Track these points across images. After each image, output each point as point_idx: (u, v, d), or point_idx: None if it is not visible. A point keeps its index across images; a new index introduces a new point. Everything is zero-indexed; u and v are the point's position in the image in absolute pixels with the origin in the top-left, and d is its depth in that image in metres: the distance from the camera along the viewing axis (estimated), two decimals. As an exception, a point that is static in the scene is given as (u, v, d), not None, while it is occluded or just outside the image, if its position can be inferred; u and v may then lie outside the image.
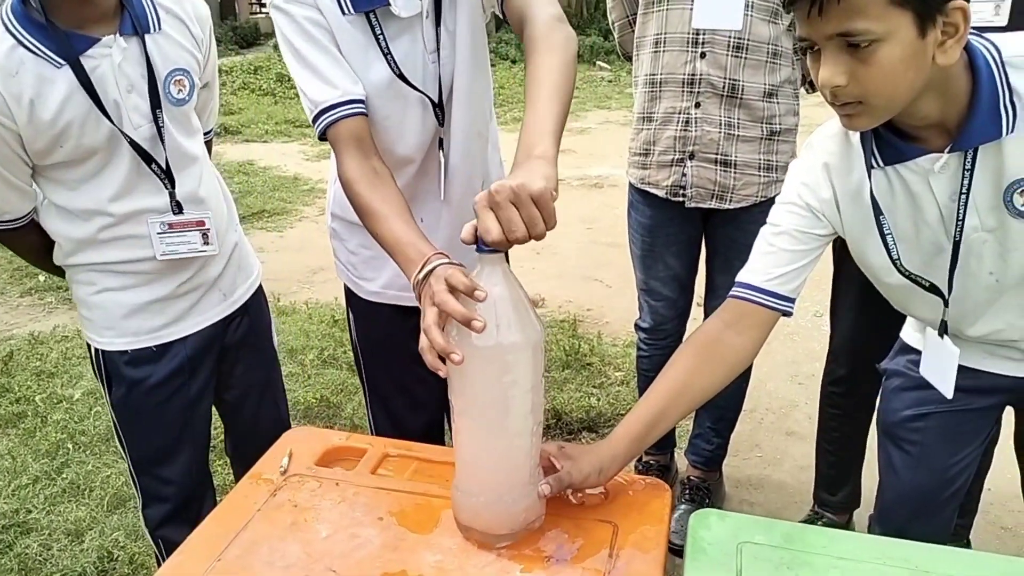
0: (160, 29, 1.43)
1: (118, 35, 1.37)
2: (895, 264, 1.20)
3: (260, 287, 1.77)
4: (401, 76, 1.36)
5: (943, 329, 1.27)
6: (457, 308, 0.94)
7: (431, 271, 1.06)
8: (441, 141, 1.45)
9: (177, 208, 1.49)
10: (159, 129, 1.44)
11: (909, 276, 1.21)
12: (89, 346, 1.58)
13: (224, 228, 1.62)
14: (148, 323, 1.55)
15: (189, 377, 1.61)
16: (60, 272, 1.58)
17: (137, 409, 1.59)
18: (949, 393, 1.29)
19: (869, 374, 2.03)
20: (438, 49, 1.38)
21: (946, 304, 1.23)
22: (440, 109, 1.42)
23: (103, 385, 1.60)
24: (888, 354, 2.01)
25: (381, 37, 1.34)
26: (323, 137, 1.33)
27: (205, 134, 1.66)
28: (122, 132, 1.39)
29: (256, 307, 1.74)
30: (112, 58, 1.36)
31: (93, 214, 1.45)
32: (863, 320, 1.98)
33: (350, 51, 1.34)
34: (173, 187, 1.48)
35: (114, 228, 1.47)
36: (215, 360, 1.67)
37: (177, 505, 1.67)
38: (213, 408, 1.75)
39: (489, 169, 1.58)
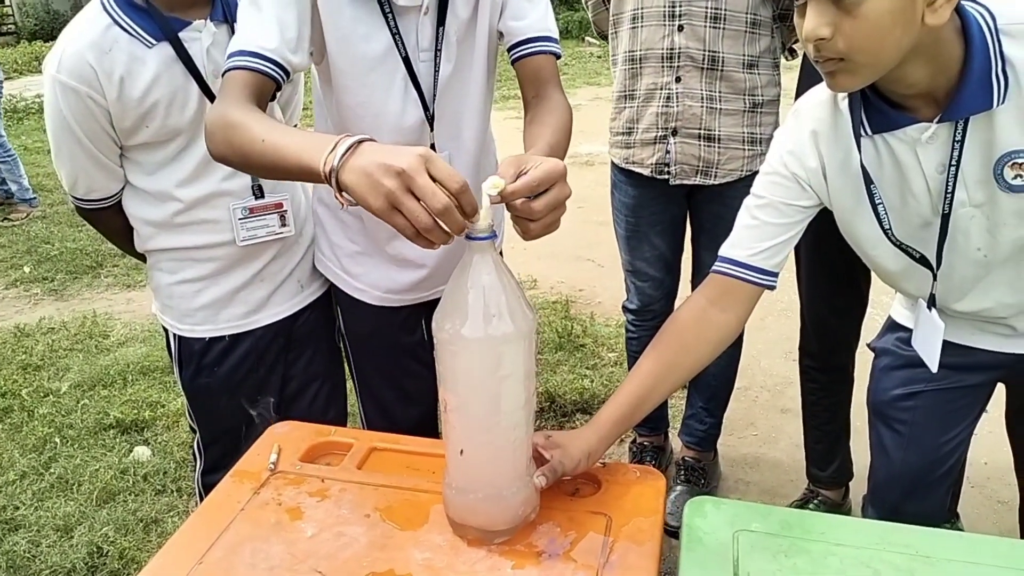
0: None
1: (209, 20, 1.41)
2: (886, 234, 1.18)
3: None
4: (398, 44, 1.29)
5: (931, 302, 1.25)
6: (457, 220, 0.85)
7: (360, 141, 0.89)
8: (433, 147, 1.38)
9: (258, 191, 1.52)
10: None
11: (900, 246, 1.18)
12: (164, 327, 1.64)
13: (304, 215, 1.64)
14: (227, 312, 1.58)
15: (256, 363, 1.64)
16: (142, 257, 1.62)
17: (205, 392, 1.64)
18: (934, 367, 1.27)
19: (839, 346, 2.05)
20: (436, 48, 1.32)
21: (935, 277, 1.20)
22: (426, 109, 1.36)
23: (175, 365, 1.65)
24: (852, 324, 2.02)
25: (390, 16, 1.28)
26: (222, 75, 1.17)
27: None
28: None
29: (328, 302, 1.73)
30: (201, 42, 1.41)
31: (167, 198, 1.49)
32: (824, 292, 1.99)
33: (356, 17, 1.27)
34: None
35: (187, 213, 1.49)
36: (281, 350, 1.68)
37: None
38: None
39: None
